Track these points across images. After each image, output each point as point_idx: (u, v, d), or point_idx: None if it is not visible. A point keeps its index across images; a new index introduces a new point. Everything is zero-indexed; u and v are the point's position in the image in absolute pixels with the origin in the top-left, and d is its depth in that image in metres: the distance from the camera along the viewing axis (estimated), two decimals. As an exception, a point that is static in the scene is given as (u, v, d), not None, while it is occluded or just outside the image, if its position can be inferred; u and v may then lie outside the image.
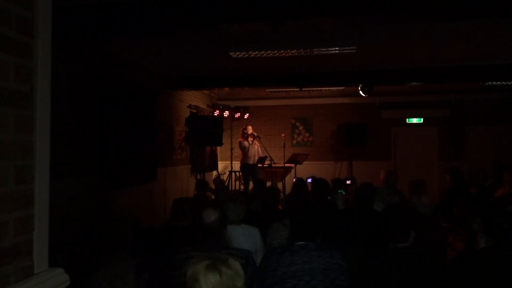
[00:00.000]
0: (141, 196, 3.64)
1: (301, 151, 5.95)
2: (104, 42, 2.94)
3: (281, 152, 5.80)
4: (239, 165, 5.37)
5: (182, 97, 5.03)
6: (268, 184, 4.96)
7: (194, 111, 5.26)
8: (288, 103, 6.45)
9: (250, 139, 5.29)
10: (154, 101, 3.93)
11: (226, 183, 5.39)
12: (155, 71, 4.06)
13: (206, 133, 4.91)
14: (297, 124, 6.56)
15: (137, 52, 3.34)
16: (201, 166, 5.20)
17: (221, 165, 6.33)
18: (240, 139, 5.37)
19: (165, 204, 4.04)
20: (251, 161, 5.25)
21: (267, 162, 5.52)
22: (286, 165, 5.50)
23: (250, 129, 5.30)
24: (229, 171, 5.75)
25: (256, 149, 5.29)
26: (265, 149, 5.45)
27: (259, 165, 5.40)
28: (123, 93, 3.33)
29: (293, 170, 5.76)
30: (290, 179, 5.81)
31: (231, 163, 5.72)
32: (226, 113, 5.66)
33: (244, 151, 5.25)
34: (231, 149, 5.76)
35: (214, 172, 5.91)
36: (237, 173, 5.68)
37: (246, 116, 6.09)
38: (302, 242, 1.35)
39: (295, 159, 5.54)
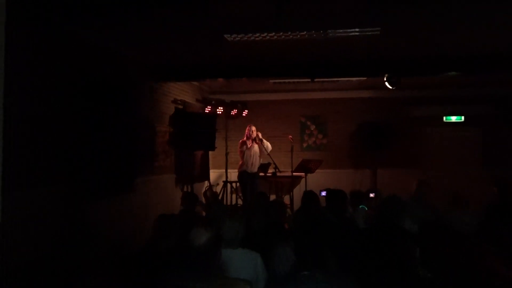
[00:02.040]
0: (116, 212, 3.64)
1: (313, 157, 6.08)
2: (71, 24, 2.74)
3: (288, 157, 5.82)
4: (237, 174, 5.44)
5: (166, 90, 5.04)
6: (272, 197, 5.19)
7: (180, 107, 5.30)
8: (296, 97, 6.57)
9: (249, 142, 5.32)
10: (131, 96, 3.98)
11: (220, 197, 5.45)
12: (133, 59, 3.98)
13: (195, 135, 4.98)
14: (308, 123, 6.71)
15: (111, 36, 3.14)
16: (189, 175, 5.26)
17: (213, 174, 6.44)
18: (243, 139, 5.38)
19: (145, 221, 4.04)
20: (250, 169, 5.28)
21: (270, 170, 5.58)
22: (294, 174, 5.52)
23: (255, 131, 5.33)
24: (223, 181, 5.80)
25: (253, 154, 5.29)
26: (268, 154, 5.46)
27: (261, 173, 5.45)
28: (94, 85, 3.27)
29: (303, 180, 5.83)
30: (299, 192, 5.86)
31: (226, 172, 5.74)
32: (219, 110, 5.68)
33: (241, 155, 5.33)
34: (226, 154, 5.77)
35: (205, 183, 5.97)
36: (234, 184, 5.77)
37: (244, 113, 6.14)
38: (307, 272, 1.28)
39: (306, 167, 5.57)
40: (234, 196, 5.84)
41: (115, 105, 3.63)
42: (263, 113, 6.74)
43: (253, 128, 5.45)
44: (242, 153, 5.36)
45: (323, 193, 4.23)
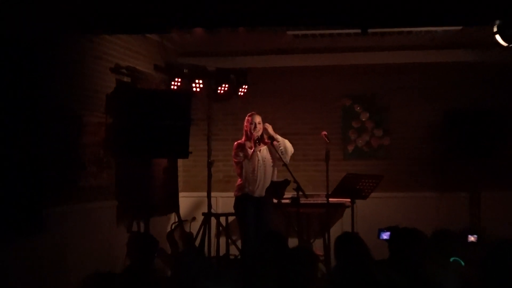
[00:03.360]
0: (11, 268, 3.71)
1: (366, 170, 6.11)
2: None
3: (320, 171, 5.92)
4: (230, 201, 5.60)
5: (102, 50, 5.16)
6: (293, 243, 5.03)
7: (126, 80, 5.44)
8: (335, 63, 6.75)
9: (250, 145, 5.25)
10: (35, 62, 4.01)
11: (197, 241, 5.65)
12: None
13: (153, 130, 4.99)
14: (356, 109, 6.87)
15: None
16: (141, 202, 5.34)
17: (186, 201, 6.61)
18: (240, 140, 5.44)
19: (64, 281, 4.13)
20: (255, 191, 5.28)
21: (289, 192, 5.45)
22: (332, 200, 5.60)
23: (260, 125, 5.28)
24: (204, 214, 5.94)
25: (259, 164, 5.33)
26: (284, 164, 5.37)
27: (274, 200, 5.41)
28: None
29: (347, 212, 5.97)
30: (341, 232, 5.73)
31: (209, 197, 5.87)
32: (197, 85, 5.87)
33: (238, 166, 5.31)
34: (210, 164, 5.83)
35: (171, 217, 6.21)
36: (224, 219, 5.93)
37: (242, 90, 6.32)
38: None
39: (353, 188, 5.52)
40: (223, 240, 5.95)
41: (13, 79, 3.74)
42: (274, 91, 6.76)
43: (258, 119, 5.29)
44: (240, 165, 5.25)
45: (385, 236, 4.15)
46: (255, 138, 5.24)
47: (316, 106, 6.78)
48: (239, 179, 5.32)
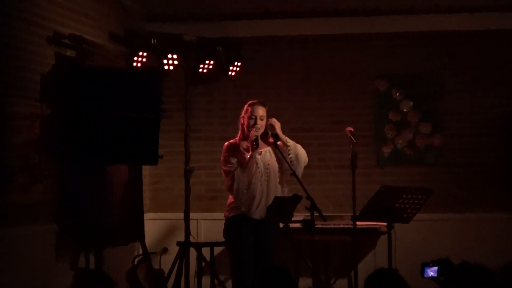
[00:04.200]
0: None
1: (408, 180, 6.25)
2: None
3: (343, 182, 6.09)
4: (217, 225, 5.59)
5: (33, 11, 5.12)
6: (305, 283, 5.21)
7: (70, 53, 5.47)
8: (364, 30, 6.78)
9: (246, 146, 5.23)
10: None
11: (169, 282, 5.74)
12: None
13: (109, 125, 5.04)
14: (396, 95, 6.94)
15: None
16: (91, 227, 5.39)
17: (154, 225, 6.69)
18: (233, 140, 5.46)
19: None
20: (254, 211, 5.30)
21: (300, 214, 5.47)
22: (360, 224, 5.61)
23: (264, 120, 5.22)
24: (179, 243, 6.03)
25: (260, 173, 5.34)
26: (293, 172, 5.33)
27: (281, 224, 5.38)
28: None
29: (382, 240, 6.15)
30: (373, 269, 5.72)
31: (187, 220, 5.91)
32: (170, 61, 5.95)
33: (229, 177, 5.30)
34: (187, 172, 5.93)
35: (135, 247, 6.25)
36: (209, 251, 6.04)
37: (233, 69, 6.36)
38: None
39: (390, 207, 5.49)
40: (207, 280, 5.97)
41: None
42: (279, 70, 6.81)
43: (260, 111, 5.22)
44: (231, 176, 5.22)
45: (431, 272, 4.14)
46: (253, 139, 5.20)
47: (338, 91, 6.81)
48: (230, 198, 5.33)
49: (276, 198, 5.23)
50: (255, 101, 5.37)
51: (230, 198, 5.34)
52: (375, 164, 6.69)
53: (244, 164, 5.19)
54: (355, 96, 6.82)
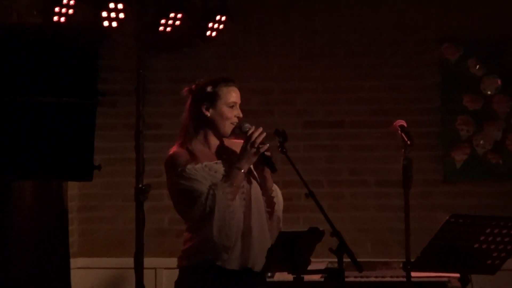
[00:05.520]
0: None
1: (494, 204, 6.44)
2: None
3: (388, 207, 6.32)
4: (173, 273, 5.64)
5: None
6: None
7: None
8: None
9: (209, 157, 5.22)
10: None
11: None
12: None
13: (16, 117, 5.05)
14: (473, 68, 7.13)
15: None
16: None
17: (86, 276, 6.93)
18: (177, 145, 5.55)
19: None
20: (229, 256, 5.31)
21: (321, 259, 5.67)
22: (416, 275, 5.70)
23: (237, 110, 5.20)
24: None
25: (244, 191, 5.45)
26: (308, 193, 5.32)
27: (290, 275, 5.31)
28: None
29: None
30: None
31: (139, 267, 6.00)
32: (113, 14, 6.06)
33: (195, 200, 5.29)
34: (140, 191, 5.97)
35: None
36: None
37: (214, 29, 6.60)
38: None
39: (465, 248, 5.52)
40: None
41: None
42: (287, 31, 6.92)
43: (238, 94, 5.30)
44: (205, 197, 5.20)
45: None
46: (228, 153, 5.36)
47: (382, 63, 6.91)
48: (186, 232, 5.40)
49: (282, 234, 5.24)
50: (226, 77, 5.47)
51: (188, 237, 5.42)
52: (441, 179, 6.77)
53: (232, 179, 5.23)
54: (410, 71, 6.92)
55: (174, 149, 5.40)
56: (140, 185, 5.83)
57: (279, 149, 5.15)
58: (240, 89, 5.30)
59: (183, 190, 5.23)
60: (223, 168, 5.31)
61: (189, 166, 5.22)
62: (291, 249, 5.17)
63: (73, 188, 6.60)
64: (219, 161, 5.32)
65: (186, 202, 5.25)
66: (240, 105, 5.43)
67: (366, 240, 6.31)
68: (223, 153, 5.42)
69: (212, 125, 5.35)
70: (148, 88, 6.21)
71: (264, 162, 5.19)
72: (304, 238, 5.15)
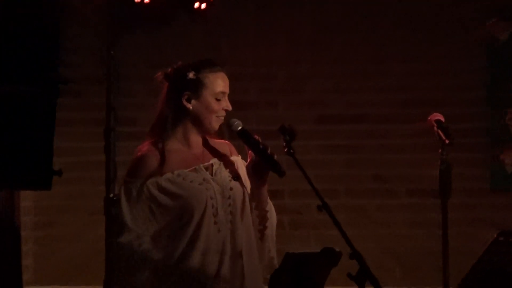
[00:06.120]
0: None
1: None
2: None
3: (422, 222, 6.40)
4: None
5: None
6: None
7: None
8: None
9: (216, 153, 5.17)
10: None
11: None
12: None
13: None
14: None
15: None
16: None
17: None
18: (142, 152, 5.55)
19: None
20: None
21: (337, 286, 5.74)
22: None
23: (225, 102, 5.18)
24: None
25: (220, 203, 5.38)
26: (319, 206, 5.26)
27: None
28: None
29: None
30: None
31: None
32: None
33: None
34: (110, 201, 5.80)
35: None
36: None
37: (202, 1, 6.63)
38: None
39: None
40: None
41: None
42: (298, 2, 6.90)
43: (227, 82, 5.27)
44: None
45: None
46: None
47: (413, 44, 6.96)
48: None
49: (289, 255, 5.24)
50: (211, 60, 5.43)
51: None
52: (488, 187, 6.80)
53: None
54: (449, 52, 6.97)
55: (144, 148, 5.36)
56: (111, 195, 5.74)
57: (285, 150, 5.11)
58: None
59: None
60: (202, 177, 5.22)
61: (151, 181, 5.10)
62: (300, 275, 5.15)
63: (27, 200, 6.62)
64: (199, 166, 5.23)
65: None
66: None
67: (394, 263, 6.39)
68: (212, 154, 5.36)
69: (194, 120, 5.33)
70: (119, 75, 6.16)
71: (266, 163, 5.08)
72: (316, 261, 5.12)
